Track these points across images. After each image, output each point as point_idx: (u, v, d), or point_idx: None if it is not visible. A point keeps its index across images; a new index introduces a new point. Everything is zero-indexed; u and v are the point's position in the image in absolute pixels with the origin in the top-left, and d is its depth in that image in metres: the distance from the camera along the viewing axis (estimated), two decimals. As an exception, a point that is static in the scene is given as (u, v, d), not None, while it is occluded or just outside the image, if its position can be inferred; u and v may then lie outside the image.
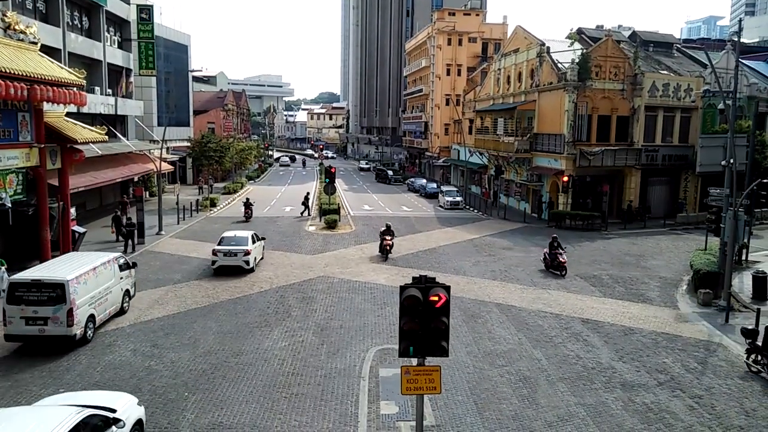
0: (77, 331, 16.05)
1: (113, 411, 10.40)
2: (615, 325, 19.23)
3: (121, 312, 19.22)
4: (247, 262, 24.49)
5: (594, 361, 16.15)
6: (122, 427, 10.20)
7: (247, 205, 39.89)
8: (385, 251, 28.34)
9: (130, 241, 29.60)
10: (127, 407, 11.00)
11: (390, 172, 73.90)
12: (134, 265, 20.80)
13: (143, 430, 11.52)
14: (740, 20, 29.57)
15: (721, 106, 23.68)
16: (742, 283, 23.39)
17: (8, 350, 16.24)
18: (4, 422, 8.96)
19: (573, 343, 17.58)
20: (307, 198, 43.57)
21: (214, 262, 24.74)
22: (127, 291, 19.78)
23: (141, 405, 11.69)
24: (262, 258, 26.91)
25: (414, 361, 9.14)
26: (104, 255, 18.98)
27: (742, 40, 28.16)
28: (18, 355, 15.99)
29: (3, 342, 16.20)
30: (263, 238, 27.72)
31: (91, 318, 16.88)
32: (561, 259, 25.63)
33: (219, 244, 25.03)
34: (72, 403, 10.46)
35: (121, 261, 19.59)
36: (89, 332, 16.73)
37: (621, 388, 14.52)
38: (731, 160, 21.67)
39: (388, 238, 28.53)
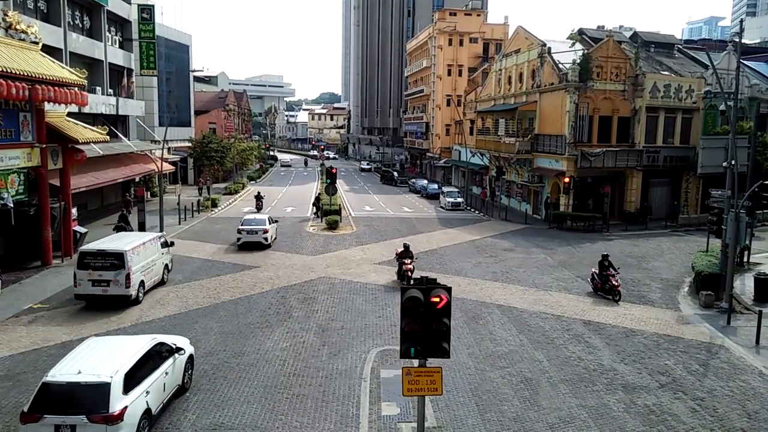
0: (132, 292, 19.65)
1: (174, 345, 13.57)
2: (617, 327, 19.20)
3: (161, 283, 22.58)
4: (266, 239, 29.94)
5: (596, 363, 16.13)
6: (183, 354, 13.60)
7: (258, 197, 44.64)
8: (405, 277, 23.02)
9: None
10: (184, 343, 14.14)
11: (395, 174, 73.12)
12: (172, 244, 24.61)
13: (193, 363, 14.46)
14: (741, 21, 29.55)
15: (722, 107, 23.65)
16: (744, 285, 23.35)
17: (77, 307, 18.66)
18: (103, 343, 12.41)
19: (574, 344, 17.56)
20: (318, 199, 43.29)
21: (239, 239, 29.94)
22: (166, 265, 23.33)
23: (191, 345, 14.62)
24: (275, 238, 31.76)
25: (415, 363, 9.13)
26: (150, 233, 22.96)
27: (743, 40, 28.13)
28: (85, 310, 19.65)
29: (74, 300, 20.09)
30: (276, 221, 32.90)
31: (142, 283, 20.53)
32: (614, 281, 22.02)
33: (242, 225, 30.33)
34: None
35: (162, 240, 23.24)
36: (141, 295, 20.36)
37: (623, 389, 14.50)
38: (733, 162, 21.64)
39: (408, 261, 23.40)
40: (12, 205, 22.71)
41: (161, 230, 33.41)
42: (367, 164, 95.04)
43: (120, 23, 44.45)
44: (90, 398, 10.51)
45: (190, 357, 14.19)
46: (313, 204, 43.07)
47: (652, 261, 29.31)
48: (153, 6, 46.44)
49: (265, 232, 29.79)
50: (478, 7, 78.79)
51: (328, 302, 21.43)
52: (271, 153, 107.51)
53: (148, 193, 45.69)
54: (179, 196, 41.64)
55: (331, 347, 16.98)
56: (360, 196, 56.75)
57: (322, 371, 15.28)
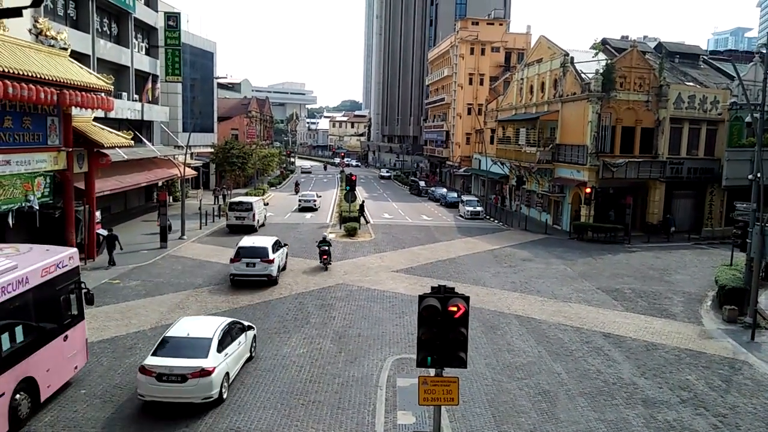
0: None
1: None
2: (637, 340, 18.93)
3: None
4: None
5: (615, 377, 15.91)
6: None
7: (297, 185, 53.95)
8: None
9: (107, 251, 26.80)
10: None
11: (422, 183, 71.21)
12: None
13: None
14: (769, 32, 29.07)
15: (748, 119, 23.35)
16: (769, 300, 22.86)
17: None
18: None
19: (594, 357, 17.34)
20: (362, 207, 43.10)
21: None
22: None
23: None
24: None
25: (432, 372, 9.09)
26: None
27: (771, 52, 27.67)
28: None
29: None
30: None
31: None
32: None
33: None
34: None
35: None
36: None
37: (643, 404, 14.27)
38: (758, 174, 21.27)
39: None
40: (37, 208, 23.14)
41: (182, 234, 33.89)
42: (387, 172, 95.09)
43: (147, 30, 45.22)
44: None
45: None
46: (359, 211, 42.48)
47: (674, 274, 28.87)
48: (179, 14, 47.17)
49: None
50: (500, 17, 78.71)
51: (346, 309, 21.46)
52: (291, 160, 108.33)
53: (170, 197, 46.24)
54: (201, 201, 42.05)
55: (348, 354, 16.98)
56: (379, 204, 56.78)
57: (339, 378, 15.28)
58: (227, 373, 13.96)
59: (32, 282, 12.55)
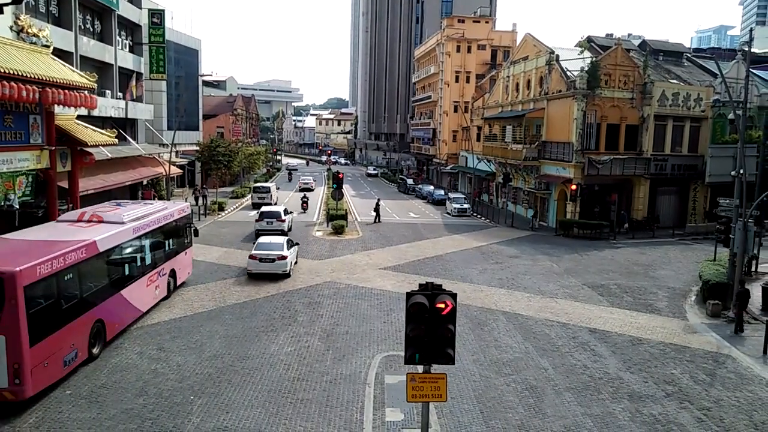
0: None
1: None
2: (623, 335, 19.11)
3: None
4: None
5: (601, 371, 16.04)
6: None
7: (304, 194, 53.81)
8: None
9: None
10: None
11: (410, 181, 71.10)
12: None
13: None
14: (751, 30, 29.49)
15: (731, 115, 23.65)
16: (752, 295, 23.15)
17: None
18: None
19: (580, 352, 17.48)
20: (378, 205, 43.41)
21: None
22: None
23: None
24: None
25: (420, 369, 9.11)
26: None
27: (752, 49, 28.01)
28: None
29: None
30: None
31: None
32: None
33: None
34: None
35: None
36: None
37: (628, 398, 14.41)
38: (741, 171, 21.55)
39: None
40: (17, 207, 22.83)
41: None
42: (374, 169, 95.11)
43: (130, 28, 44.74)
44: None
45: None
46: (374, 210, 42.97)
47: (659, 269, 29.17)
48: (163, 11, 46.74)
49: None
50: (486, 14, 78.92)
51: (333, 307, 21.44)
52: (278, 158, 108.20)
53: (156, 196, 45.86)
54: (186, 199, 41.75)
55: (336, 352, 16.97)
56: (366, 202, 56.75)
57: (327, 376, 15.27)
58: (291, 261, 26.01)
59: (175, 216, 22.37)
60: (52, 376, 13.73)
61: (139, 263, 19.15)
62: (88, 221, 18.15)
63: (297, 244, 29.00)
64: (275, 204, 45.61)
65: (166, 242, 21.48)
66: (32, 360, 12.81)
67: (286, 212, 35.61)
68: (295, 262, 27.62)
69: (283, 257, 25.35)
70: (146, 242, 19.70)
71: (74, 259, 14.79)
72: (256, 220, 34.32)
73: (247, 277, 25.25)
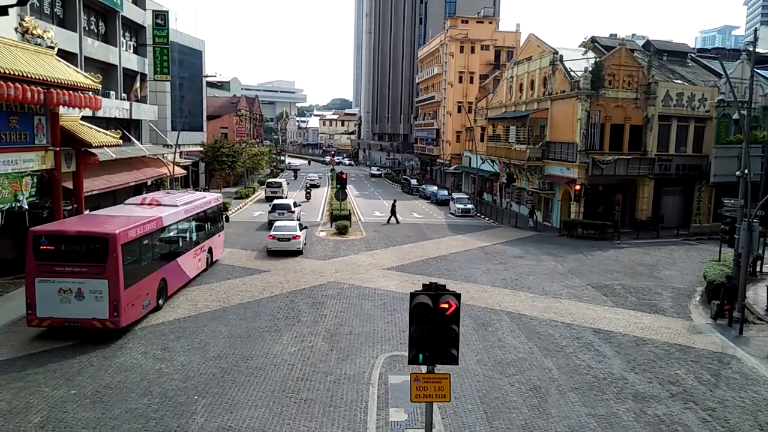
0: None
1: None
2: (627, 336, 19.07)
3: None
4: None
5: (605, 372, 16.01)
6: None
7: (308, 189, 60.53)
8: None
9: None
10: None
11: (414, 181, 71.14)
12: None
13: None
14: (755, 30, 29.39)
15: (735, 116, 23.56)
16: (757, 295, 23.10)
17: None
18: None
19: (584, 353, 17.45)
20: (394, 206, 43.66)
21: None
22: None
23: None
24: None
25: (424, 369, 9.11)
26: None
27: (757, 49, 27.93)
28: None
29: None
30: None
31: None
32: None
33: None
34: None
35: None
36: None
37: (633, 399, 14.38)
38: (746, 171, 21.48)
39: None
40: (27, 207, 22.95)
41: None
42: (377, 170, 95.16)
43: (135, 29, 44.87)
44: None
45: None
46: (391, 210, 43.25)
47: (663, 270, 29.09)
48: (167, 12, 46.85)
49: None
50: (490, 15, 78.79)
51: (337, 307, 21.45)
52: (282, 158, 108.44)
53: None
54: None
55: (340, 352, 16.98)
56: (370, 202, 56.81)
57: (331, 376, 15.28)
58: (303, 241, 30.79)
59: (211, 204, 26.93)
60: (135, 315, 18.35)
61: (188, 239, 23.69)
62: (150, 204, 22.88)
63: (306, 227, 33.85)
64: (286, 197, 49.99)
65: (206, 224, 26.07)
66: (125, 299, 17.31)
67: (295, 205, 40.19)
68: (305, 243, 31.82)
69: (297, 237, 30.38)
70: (192, 223, 24.20)
71: (149, 229, 19.38)
72: (270, 212, 38.72)
73: (251, 277, 25.30)
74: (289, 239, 30.03)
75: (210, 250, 26.63)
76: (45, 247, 17.11)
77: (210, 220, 26.63)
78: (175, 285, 22.05)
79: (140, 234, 18.62)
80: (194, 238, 24.39)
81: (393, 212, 42.92)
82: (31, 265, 17.05)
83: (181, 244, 22.84)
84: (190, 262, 23.84)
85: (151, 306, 19.58)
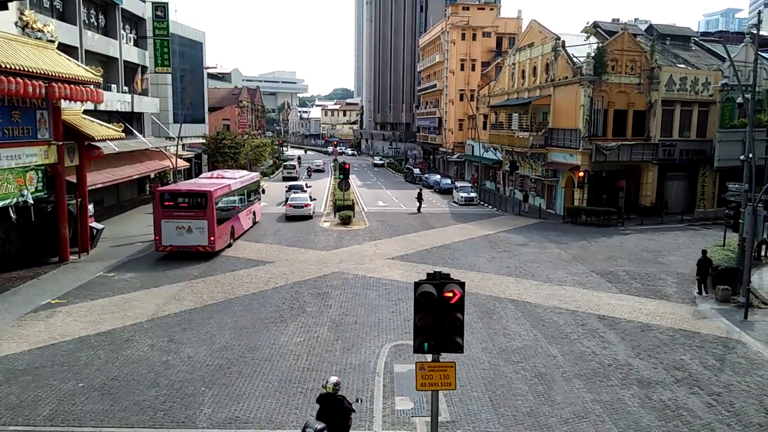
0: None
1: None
2: (632, 322, 19.09)
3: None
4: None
5: (610, 358, 16.05)
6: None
7: (309, 165, 73.67)
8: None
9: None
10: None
11: (417, 170, 71.20)
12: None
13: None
14: (759, 13, 29.07)
15: (739, 99, 23.44)
16: (762, 280, 23.10)
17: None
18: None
19: (589, 339, 17.48)
20: (420, 195, 44.80)
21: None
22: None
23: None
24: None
25: (429, 357, 9.14)
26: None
27: (761, 32, 27.69)
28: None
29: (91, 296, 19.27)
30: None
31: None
32: None
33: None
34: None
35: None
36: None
37: (638, 384, 14.42)
38: (750, 155, 21.37)
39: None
40: (32, 202, 23.02)
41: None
42: (380, 159, 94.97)
43: (134, 21, 44.77)
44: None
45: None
46: (417, 198, 44.29)
47: (667, 255, 29.05)
48: (167, 4, 46.66)
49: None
50: (491, 1, 78.35)
51: (342, 297, 21.51)
52: (284, 149, 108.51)
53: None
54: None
55: (345, 342, 17.04)
56: (373, 192, 56.77)
57: (336, 366, 15.35)
58: (312, 209, 39.29)
59: (254, 179, 35.66)
60: (221, 245, 27.92)
61: (243, 202, 32.50)
62: (218, 177, 32.03)
63: (314, 199, 42.54)
64: (298, 176, 65.39)
65: (251, 194, 34.72)
66: (217, 233, 26.80)
67: (306, 186, 48.92)
68: (314, 211, 40.04)
69: (308, 204, 39.29)
70: (244, 192, 32.88)
71: (225, 191, 28.72)
72: (286, 190, 47.52)
73: (256, 269, 25.39)
74: (302, 206, 38.80)
75: (254, 213, 35.47)
76: (167, 202, 26.30)
77: (253, 191, 35.21)
78: (238, 231, 31.03)
79: (223, 193, 28.07)
80: (246, 202, 33.23)
81: (420, 200, 43.81)
82: (158, 212, 26.25)
83: (239, 204, 31.57)
84: (245, 219, 32.87)
85: (227, 242, 28.89)
